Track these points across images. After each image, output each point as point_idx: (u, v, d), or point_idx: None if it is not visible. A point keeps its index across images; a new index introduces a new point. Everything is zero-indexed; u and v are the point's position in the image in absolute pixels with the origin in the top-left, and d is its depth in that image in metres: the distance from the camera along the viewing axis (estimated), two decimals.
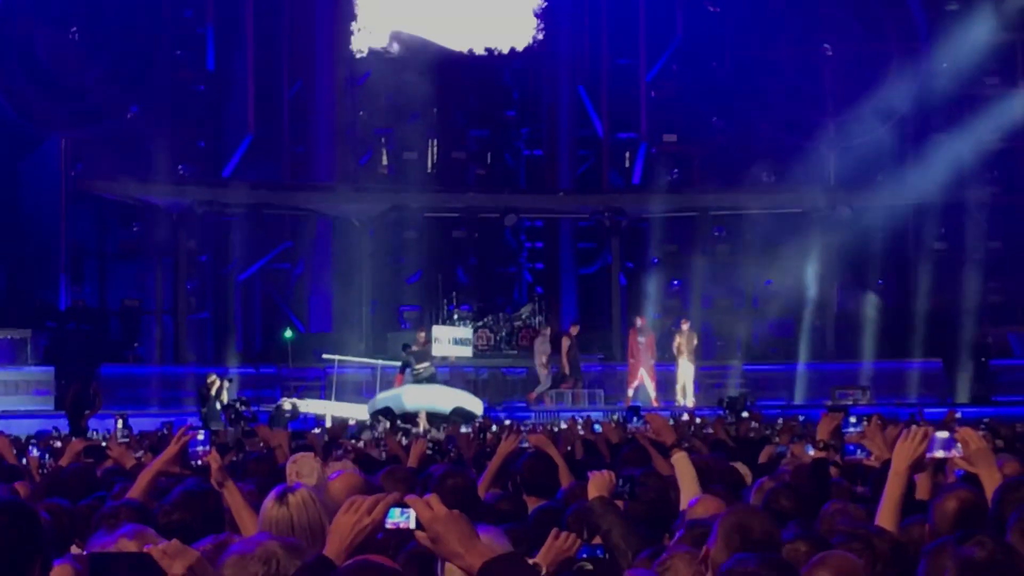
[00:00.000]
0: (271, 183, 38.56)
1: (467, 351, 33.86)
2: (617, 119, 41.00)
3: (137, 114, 37.23)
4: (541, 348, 32.66)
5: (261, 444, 14.69)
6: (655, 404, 31.03)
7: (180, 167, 38.51)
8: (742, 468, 10.04)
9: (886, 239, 37.65)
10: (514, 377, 34.51)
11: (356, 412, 29.55)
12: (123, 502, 6.81)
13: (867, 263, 37.95)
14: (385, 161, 42.45)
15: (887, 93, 38.02)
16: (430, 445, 14.20)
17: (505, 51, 41.61)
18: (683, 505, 7.25)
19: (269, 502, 5.30)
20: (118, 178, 36.17)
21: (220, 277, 38.43)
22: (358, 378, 33.33)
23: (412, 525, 4.03)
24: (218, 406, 28.83)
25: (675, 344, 32.81)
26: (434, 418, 27.41)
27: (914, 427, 6.04)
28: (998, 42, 37.61)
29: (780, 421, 22.01)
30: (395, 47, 40.94)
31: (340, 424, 24.24)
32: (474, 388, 31.88)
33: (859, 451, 8.32)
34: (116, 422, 11.95)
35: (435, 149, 42.52)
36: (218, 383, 29.21)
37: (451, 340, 33.60)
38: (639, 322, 33.21)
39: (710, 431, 17.06)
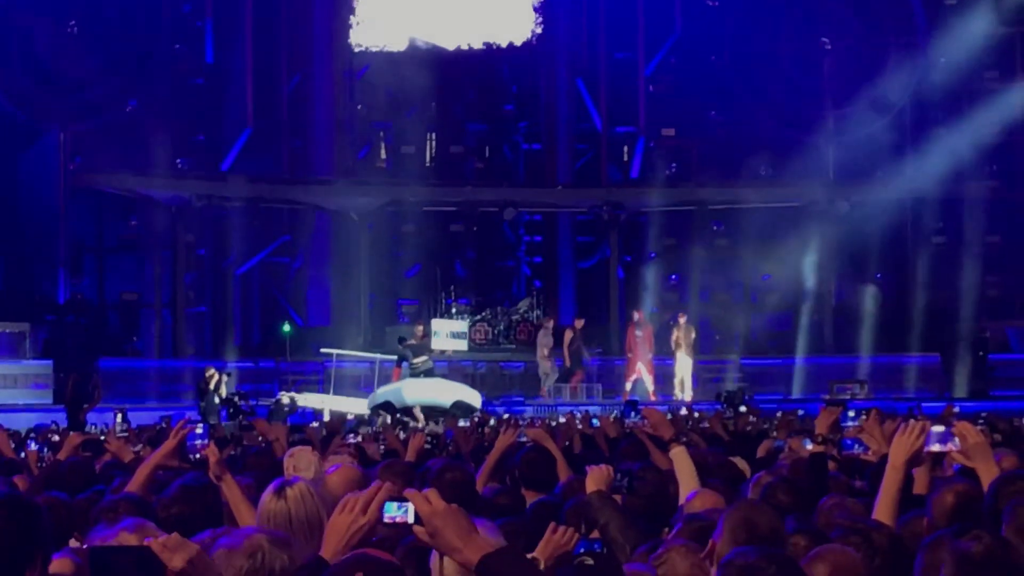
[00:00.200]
0: (270, 177, 38.57)
1: (463, 344, 33.87)
2: (616, 113, 40.99)
3: (136, 107, 37.21)
4: (543, 340, 32.64)
5: (259, 438, 14.70)
6: (653, 398, 31.04)
7: (179, 160, 38.49)
8: (740, 463, 10.05)
9: (884, 233, 37.63)
10: (512, 371, 34.52)
11: (355, 406, 29.56)
12: (122, 496, 6.81)
13: (865, 257, 37.95)
14: (383, 155, 42.45)
15: (886, 87, 38.01)
16: (428, 439, 14.20)
17: (503, 45, 41.58)
18: (682, 499, 7.26)
19: (267, 495, 5.31)
20: (117, 171, 36.16)
21: (219, 271, 38.43)
22: (356, 372, 33.33)
23: (410, 519, 4.03)
24: (216, 400, 28.83)
25: (673, 338, 32.81)
26: (434, 412, 27.41)
27: (912, 421, 6.04)
28: (996, 36, 37.61)
29: (779, 415, 22.00)
30: (394, 41, 40.90)
31: (338, 418, 24.24)
32: (472, 382, 31.88)
33: (857, 446, 8.32)
34: (115, 416, 11.95)
35: (434, 143, 42.51)
36: (216, 377, 29.21)
37: (448, 333, 33.61)
38: (637, 316, 33.20)
39: (706, 425, 17.04)
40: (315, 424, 22.52)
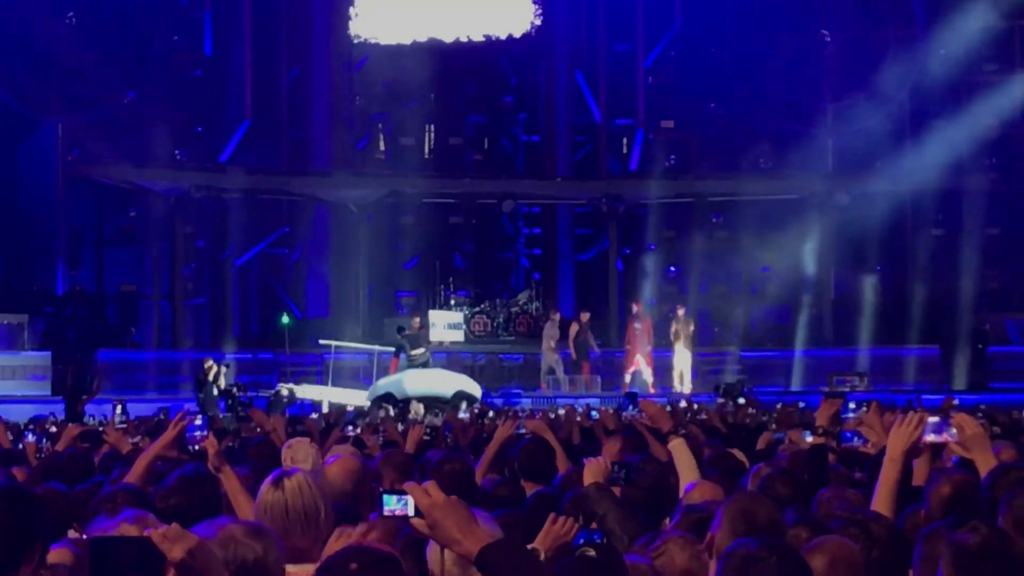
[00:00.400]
0: (268, 168, 38.55)
1: (459, 335, 33.89)
2: (615, 105, 40.98)
3: (134, 99, 37.17)
4: (550, 333, 32.60)
5: (258, 429, 14.71)
6: (652, 390, 31.05)
7: (177, 152, 38.50)
8: (739, 455, 10.05)
9: (884, 225, 37.61)
10: (511, 363, 34.53)
11: (353, 398, 29.56)
12: (121, 486, 6.81)
13: (865, 249, 37.93)
14: (382, 147, 42.45)
15: (885, 79, 37.98)
16: (427, 431, 14.21)
17: (503, 37, 41.56)
18: (681, 491, 7.26)
19: (265, 487, 5.30)
20: (115, 163, 36.12)
21: (217, 262, 38.43)
22: (355, 364, 33.34)
23: (410, 512, 4.03)
24: (215, 391, 28.85)
25: (671, 331, 32.82)
26: (435, 402, 27.42)
27: (910, 413, 6.04)
28: (996, 28, 37.59)
29: (778, 407, 22.03)
30: (393, 33, 40.88)
31: (337, 410, 24.25)
32: (471, 374, 31.89)
33: (856, 438, 8.32)
34: (114, 408, 11.95)
35: (432, 135, 42.50)
36: (215, 368, 29.22)
37: (446, 324, 33.63)
38: (636, 308, 33.20)
39: (704, 417, 17.07)
40: (314, 416, 22.54)
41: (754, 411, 21.24)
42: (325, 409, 25.94)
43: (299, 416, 21.25)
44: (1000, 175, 38.54)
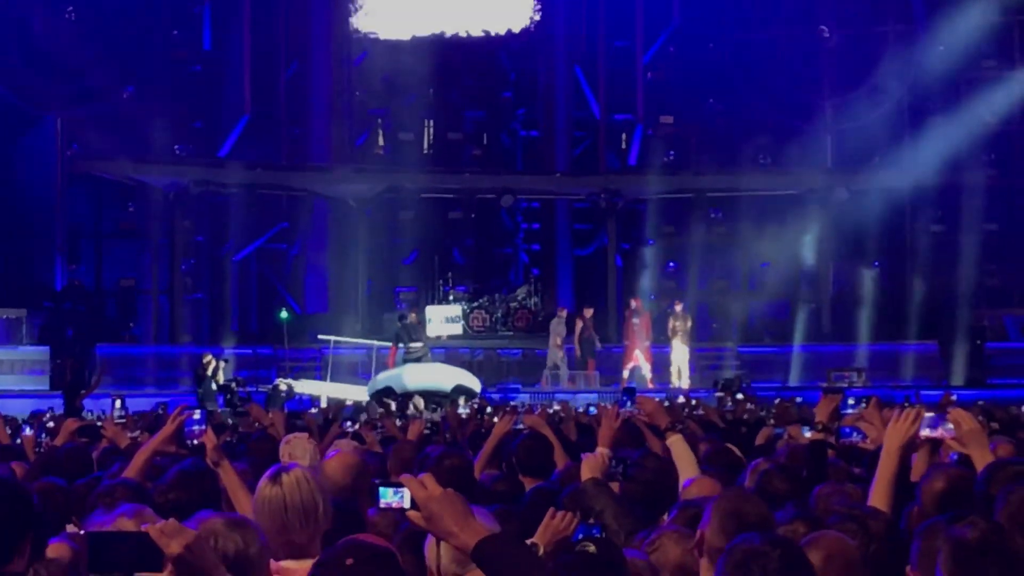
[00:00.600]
0: (267, 163, 38.54)
1: (457, 328, 33.89)
2: (614, 100, 40.96)
3: (133, 94, 37.17)
4: (556, 330, 32.58)
5: (256, 424, 14.72)
6: (650, 386, 31.06)
7: (176, 147, 38.47)
8: (735, 451, 10.06)
9: (883, 221, 37.62)
10: (510, 358, 34.54)
11: (352, 393, 29.56)
12: (119, 481, 6.82)
13: (864, 245, 37.94)
14: (381, 142, 42.42)
15: (884, 75, 37.98)
16: (428, 425, 14.23)
17: (502, 32, 41.51)
18: (681, 487, 7.27)
19: (263, 482, 5.31)
20: (114, 158, 36.11)
21: (216, 257, 38.43)
22: (354, 359, 33.35)
23: (406, 505, 4.03)
24: (214, 386, 28.88)
25: (669, 326, 32.81)
26: (434, 396, 27.42)
27: (907, 408, 6.05)
28: (995, 24, 37.59)
29: (776, 403, 22.04)
30: (392, 28, 40.86)
31: (336, 405, 24.27)
32: (469, 369, 31.85)
33: (855, 433, 8.32)
34: (113, 402, 11.94)
35: (431, 130, 42.47)
36: (214, 363, 29.25)
37: (444, 319, 33.62)
38: (634, 303, 33.20)
39: (701, 413, 17.08)
40: (313, 410, 22.56)
41: (752, 407, 21.26)
42: (323, 404, 25.96)
43: (298, 411, 21.28)
44: (999, 171, 38.51)
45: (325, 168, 38.92)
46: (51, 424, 15.78)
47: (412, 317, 31.79)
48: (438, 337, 32.80)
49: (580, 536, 4.89)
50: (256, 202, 37.95)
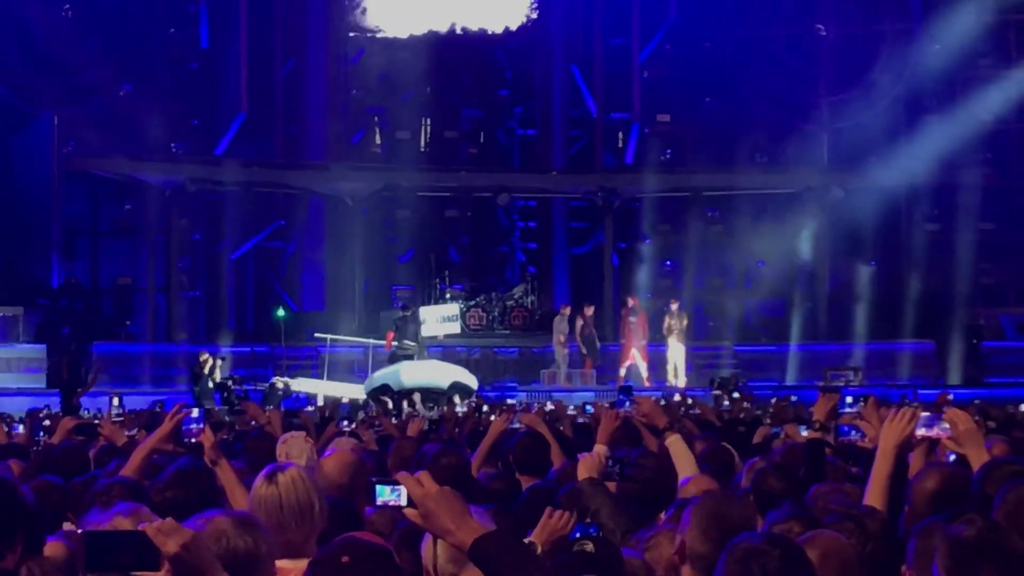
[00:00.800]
0: (264, 161, 38.53)
1: (455, 327, 33.87)
2: (610, 99, 40.94)
3: (130, 91, 37.13)
4: (559, 327, 32.55)
5: (252, 422, 14.72)
6: (647, 384, 31.05)
7: (173, 145, 38.45)
8: (733, 449, 10.06)
9: (879, 220, 37.64)
10: (506, 357, 34.52)
11: (349, 391, 29.54)
12: (116, 480, 6.82)
13: (860, 244, 37.95)
14: (378, 140, 42.41)
15: (881, 74, 37.99)
16: (426, 423, 14.26)
17: (498, 30, 41.52)
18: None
19: (258, 481, 5.31)
20: (111, 155, 36.11)
21: (212, 255, 38.39)
22: (350, 357, 33.33)
23: (403, 503, 4.03)
24: (210, 384, 28.86)
25: (664, 325, 32.76)
26: (431, 394, 27.41)
27: (903, 408, 6.05)
28: (992, 23, 37.60)
29: (773, 402, 22.04)
30: (389, 26, 40.85)
31: (333, 403, 24.26)
32: (466, 367, 31.86)
33: (853, 432, 8.32)
34: (110, 400, 11.94)
35: (428, 128, 42.45)
36: (210, 361, 29.24)
37: (440, 318, 33.60)
38: (631, 302, 33.17)
39: (698, 412, 17.10)
40: (309, 408, 22.56)
41: (748, 405, 21.26)
42: (320, 402, 25.95)
43: (294, 409, 21.27)
44: (995, 170, 38.51)
45: (322, 166, 38.91)
46: (47, 422, 15.79)
47: (411, 313, 31.76)
48: (434, 337, 32.78)
49: (577, 535, 4.90)
50: (253, 200, 37.93)
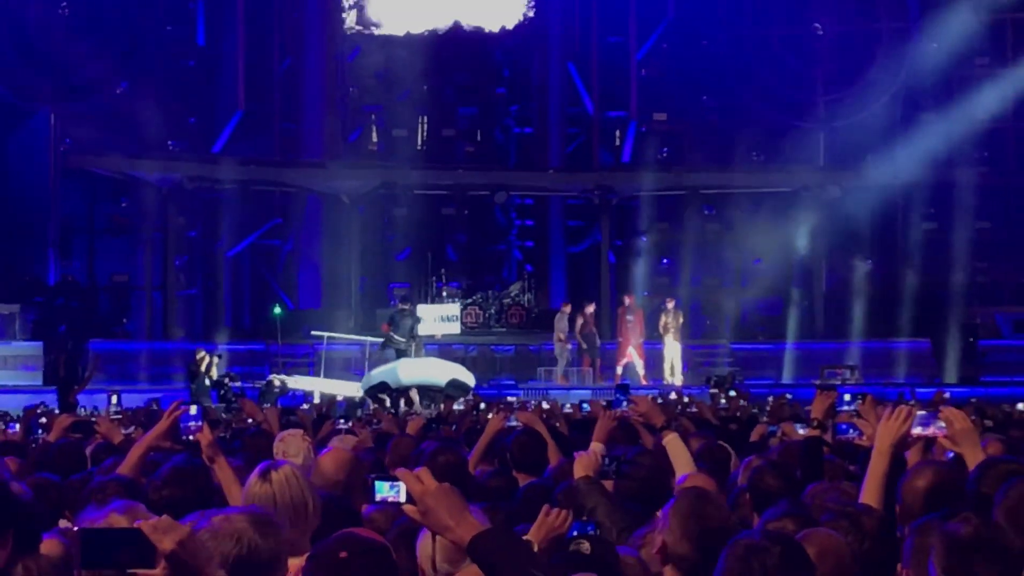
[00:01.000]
0: (261, 159, 38.51)
1: (455, 327, 33.85)
2: (607, 97, 40.96)
3: (127, 89, 37.11)
4: (560, 325, 32.55)
5: (249, 420, 14.71)
6: (644, 382, 31.05)
7: (170, 142, 38.45)
8: (729, 447, 10.06)
9: (875, 218, 37.67)
10: (503, 355, 34.50)
11: (345, 389, 29.53)
12: (112, 477, 6.82)
13: (856, 242, 37.97)
14: (375, 138, 42.42)
15: (877, 72, 38.00)
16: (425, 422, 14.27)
17: (496, 28, 41.51)
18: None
19: (252, 479, 5.31)
20: (107, 153, 36.08)
21: (209, 253, 38.39)
22: (347, 355, 33.31)
23: (402, 499, 4.03)
24: (207, 382, 28.85)
25: (661, 323, 32.76)
26: (428, 391, 27.40)
27: (900, 406, 6.05)
28: (988, 22, 37.63)
29: (770, 400, 22.05)
30: (386, 24, 40.84)
31: (329, 400, 24.25)
32: (463, 365, 31.86)
33: (851, 430, 8.33)
34: (109, 398, 11.95)
35: (425, 126, 42.46)
36: (207, 359, 29.22)
37: (437, 318, 33.58)
38: (627, 300, 33.18)
39: (694, 410, 17.09)
40: (306, 406, 22.54)
41: (745, 403, 21.27)
42: (317, 400, 25.93)
43: (291, 407, 21.26)
44: (992, 168, 38.57)
45: (319, 164, 38.89)
46: (43, 420, 15.78)
47: (409, 309, 31.73)
48: (431, 336, 32.78)
49: (574, 533, 4.90)
50: (249, 198, 37.92)
